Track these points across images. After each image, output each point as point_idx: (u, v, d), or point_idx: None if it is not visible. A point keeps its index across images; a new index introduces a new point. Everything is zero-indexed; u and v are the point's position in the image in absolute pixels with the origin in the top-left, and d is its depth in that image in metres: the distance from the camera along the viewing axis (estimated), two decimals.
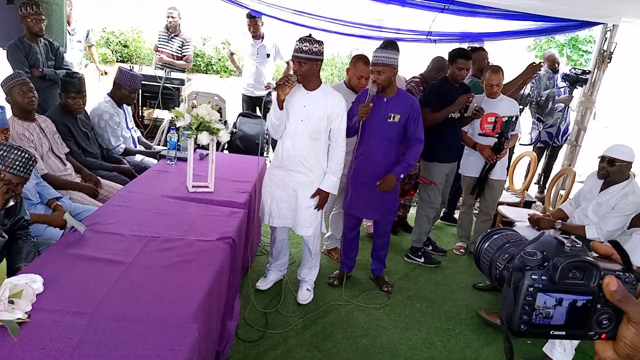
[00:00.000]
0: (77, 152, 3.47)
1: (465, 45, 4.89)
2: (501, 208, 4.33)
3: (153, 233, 2.35)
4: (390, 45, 3.54)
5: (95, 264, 2.02)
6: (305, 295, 3.27)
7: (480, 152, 3.86)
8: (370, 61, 3.09)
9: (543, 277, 0.64)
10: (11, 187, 2.07)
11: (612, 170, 3.02)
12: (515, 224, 3.82)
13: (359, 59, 3.48)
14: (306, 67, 2.73)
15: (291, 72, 2.82)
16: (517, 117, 3.83)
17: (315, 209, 3.02)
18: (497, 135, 3.78)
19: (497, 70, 3.79)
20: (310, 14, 5.27)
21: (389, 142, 3.14)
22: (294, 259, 3.74)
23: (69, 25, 5.22)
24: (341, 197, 3.71)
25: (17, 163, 2.09)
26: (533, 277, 0.64)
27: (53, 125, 3.28)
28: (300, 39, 2.73)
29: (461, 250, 4.26)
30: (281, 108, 2.78)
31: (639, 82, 11.83)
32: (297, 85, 2.80)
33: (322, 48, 2.75)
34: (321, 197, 2.99)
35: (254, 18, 5.45)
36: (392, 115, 3.08)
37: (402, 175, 3.16)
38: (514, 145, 4.60)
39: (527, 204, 4.69)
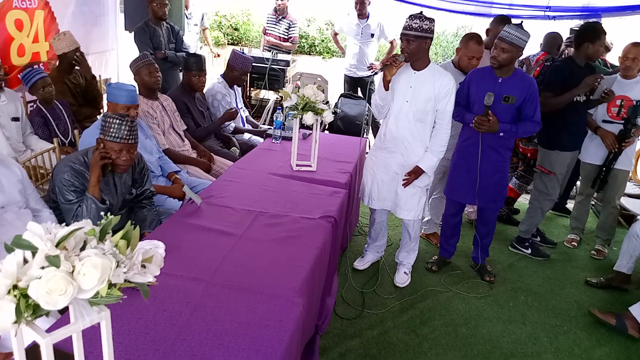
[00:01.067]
0: (193, 128, 3.72)
1: (581, 22, 4.44)
2: (622, 200, 3.92)
3: (261, 208, 2.47)
4: (520, 25, 3.24)
5: (210, 234, 2.18)
6: (402, 278, 3.25)
7: (602, 138, 3.50)
8: (498, 36, 2.90)
9: None
10: (109, 154, 2.19)
11: None
12: (638, 218, 3.45)
13: (472, 38, 3.31)
14: (414, 45, 2.65)
15: (398, 51, 2.76)
16: None
17: (402, 185, 2.93)
18: (622, 122, 3.41)
19: (638, 43, 3.35)
20: None
21: (503, 125, 2.94)
22: (392, 241, 3.72)
23: (186, 9, 5.57)
24: (443, 182, 3.61)
25: (111, 130, 2.18)
26: None
27: (173, 103, 3.54)
28: (410, 16, 2.65)
29: (573, 243, 3.95)
30: (386, 89, 2.74)
31: None
32: (404, 64, 2.74)
33: (433, 26, 2.66)
34: (414, 174, 2.89)
35: None
36: (508, 97, 2.90)
37: (501, 134, 2.95)
38: None
39: None
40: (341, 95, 5.40)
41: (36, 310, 0.95)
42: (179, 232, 2.17)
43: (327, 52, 11.33)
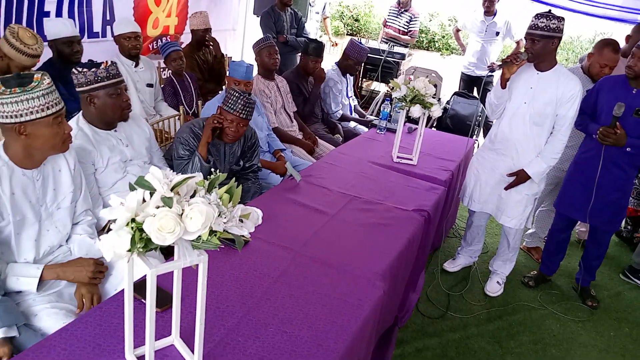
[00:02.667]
0: (301, 110, 3.87)
1: None
2: None
3: (356, 193, 2.53)
4: None
5: (304, 210, 2.28)
6: (494, 287, 3.12)
7: None
8: (637, 43, 2.64)
9: None
10: (221, 121, 2.40)
11: None
12: None
13: (608, 44, 3.03)
14: (540, 45, 2.50)
15: (522, 49, 2.63)
16: None
17: (505, 188, 2.80)
18: None
19: None
20: None
21: (632, 140, 2.66)
22: (488, 248, 3.58)
23: None
24: (554, 194, 3.38)
25: (230, 101, 2.40)
26: None
27: (287, 85, 3.71)
28: (537, 14, 2.51)
29: None
30: (503, 87, 2.63)
31: None
32: (526, 64, 2.60)
33: (562, 25, 2.49)
34: (519, 178, 2.73)
35: None
36: None
37: (628, 149, 2.67)
38: None
39: None
40: (454, 94, 5.26)
41: (147, 244, 1.09)
42: (276, 204, 2.30)
43: (446, 49, 11.03)
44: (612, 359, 2.67)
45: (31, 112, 1.58)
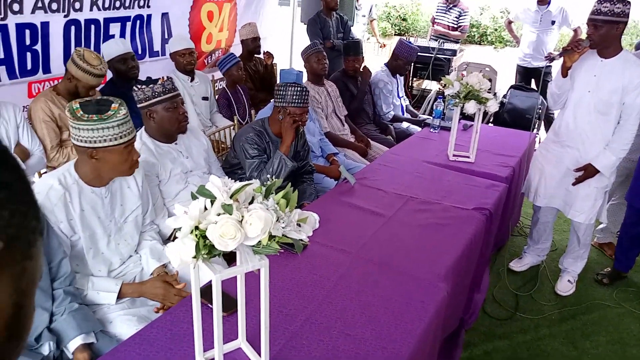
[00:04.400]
0: (353, 111, 3.87)
1: None
2: None
3: (412, 194, 2.49)
4: None
5: (360, 212, 2.27)
6: (566, 286, 2.97)
7: None
8: None
9: None
10: (297, 118, 2.49)
11: None
12: None
13: None
14: (603, 30, 2.37)
15: (583, 36, 2.50)
16: None
17: (572, 184, 2.67)
18: None
19: None
20: None
21: None
22: (557, 245, 3.41)
23: (357, 1, 5.76)
24: (624, 186, 3.18)
25: (294, 97, 2.46)
26: None
27: (337, 90, 3.73)
28: None
29: None
30: (564, 75, 2.52)
31: None
32: (589, 51, 2.48)
33: (627, 9, 2.34)
34: (587, 172, 2.61)
35: None
36: None
37: None
38: None
39: None
40: (511, 87, 5.07)
41: (211, 250, 1.12)
42: (332, 207, 2.30)
43: (500, 42, 10.67)
44: None
45: (104, 140, 1.66)
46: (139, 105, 2.19)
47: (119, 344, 1.41)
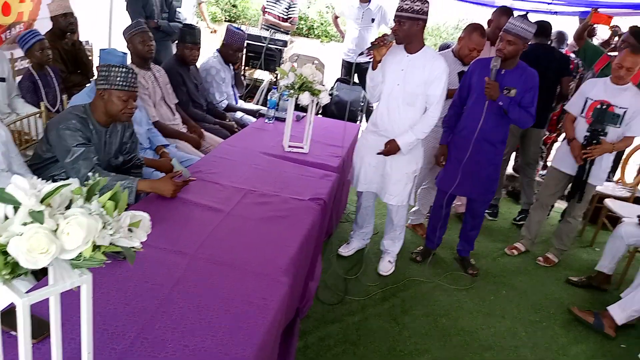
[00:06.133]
0: (185, 101, 3.65)
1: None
2: (608, 201, 3.94)
3: (250, 186, 2.44)
4: (525, 16, 3.22)
5: (196, 209, 2.14)
6: (386, 266, 3.25)
7: (571, 148, 3.31)
8: (504, 28, 2.87)
9: None
10: (117, 104, 2.21)
11: None
12: (622, 220, 3.47)
13: (475, 29, 3.27)
14: (406, 26, 2.62)
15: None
16: (637, 113, 3.11)
17: (377, 153, 2.89)
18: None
19: (638, 51, 3.10)
20: None
21: (499, 117, 2.94)
22: (378, 229, 3.71)
23: None
24: (433, 172, 3.60)
25: (119, 79, 2.19)
26: None
27: (166, 75, 3.46)
28: None
29: (513, 251, 3.74)
30: (374, 68, 2.74)
31: None
32: (397, 47, 2.71)
33: (426, 7, 2.62)
34: (389, 147, 2.82)
35: None
36: (509, 88, 2.86)
37: (500, 103, 2.87)
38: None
39: (638, 200, 4.24)
40: (337, 80, 5.35)
41: (15, 269, 0.92)
42: (164, 205, 2.13)
43: (326, 36, 11.23)
44: (494, 321, 2.93)
45: None
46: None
47: None
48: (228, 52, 4.04)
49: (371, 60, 2.78)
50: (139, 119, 2.92)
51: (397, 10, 2.63)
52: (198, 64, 3.93)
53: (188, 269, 1.69)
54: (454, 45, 3.47)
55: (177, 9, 4.95)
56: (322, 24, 11.35)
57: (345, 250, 3.37)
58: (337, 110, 5.06)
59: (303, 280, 2.39)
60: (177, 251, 1.78)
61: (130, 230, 1.06)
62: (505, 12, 3.70)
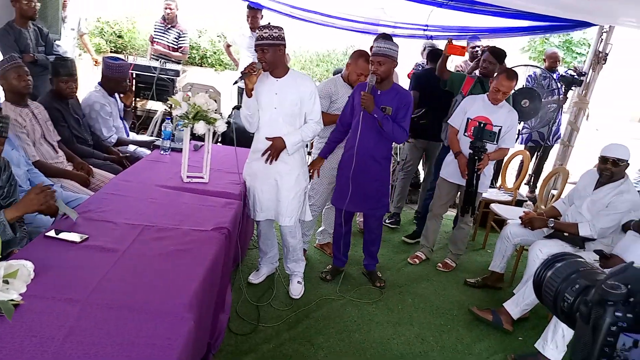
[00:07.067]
0: (68, 138, 3.41)
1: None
2: (493, 206, 4.33)
3: (147, 222, 2.32)
4: (388, 37, 3.54)
5: (87, 251, 1.99)
6: (297, 289, 3.25)
7: (459, 163, 3.58)
8: (371, 52, 3.08)
9: (628, 315, 0.55)
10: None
11: (616, 171, 3.01)
12: (508, 222, 3.82)
13: (361, 56, 3.45)
14: (269, 53, 2.73)
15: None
16: (510, 128, 3.50)
17: (262, 154, 2.94)
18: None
19: (513, 77, 3.42)
20: (306, 10, 5.27)
21: (377, 133, 3.12)
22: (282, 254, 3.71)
23: (63, 11, 5.14)
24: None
25: None
26: (617, 314, 0.55)
27: (45, 112, 3.22)
28: (261, 26, 2.76)
29: (415, 260, 3.92)
30: (249, 96, 2.81)
31: (629, 87, 11.93)
32: (265, 74, 2.81)
33: (282, 33, 2.76)
34: (274, 143, 2.88)
35: (254, 9, 5.43)
36: (385, 108, 3.07)
37: (375, 115, 3.04)
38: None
39: (519, 203, 4.70)
40: (234, 107, 5.33)
41: None
42: (50, 250, 1.95)
43: (220, 65, 11.17)
44: (404, 329, 3.04)
45: None
46: None
47: None
48: (110, 84, 3.87)
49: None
50: (16, 159, 2.67)
51: (258, 40, 2.72)
52: (80, 97, 3.70)
53: (80, 317, 1.56)
54: (344, 71, 3.63)
55: (56, 42, 4.66)
56: (214, 52, 11.30)
57: (256, 278, 3.33)
58: (237, 137, 5.01)
59: (211, 313, 2.30)
60: (66, 299, 1.63)
61: (6, 282, 0.96)
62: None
